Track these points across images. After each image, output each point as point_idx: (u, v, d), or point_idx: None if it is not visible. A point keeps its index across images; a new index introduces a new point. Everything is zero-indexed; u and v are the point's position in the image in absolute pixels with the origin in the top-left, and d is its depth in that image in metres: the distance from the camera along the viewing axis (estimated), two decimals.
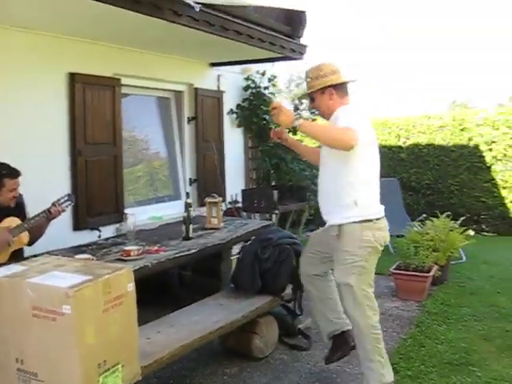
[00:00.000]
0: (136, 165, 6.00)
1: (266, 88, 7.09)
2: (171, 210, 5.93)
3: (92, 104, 4.78)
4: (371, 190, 3.16)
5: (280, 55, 5.70)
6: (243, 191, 6.51)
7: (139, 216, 5.51)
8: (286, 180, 7.30)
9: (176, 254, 3.70)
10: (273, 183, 7.43)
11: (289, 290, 4.10)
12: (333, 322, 3.47)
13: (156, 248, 3.78)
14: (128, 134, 5.54)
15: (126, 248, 3.57)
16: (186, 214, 4.18)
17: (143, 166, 6.12)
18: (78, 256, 3.30)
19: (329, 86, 3.16)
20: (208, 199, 4.66)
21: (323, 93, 3.19)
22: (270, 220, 6.25)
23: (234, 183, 6.79)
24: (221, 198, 4.69)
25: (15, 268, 2.55)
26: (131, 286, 2.52)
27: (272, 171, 7.22)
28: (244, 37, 4.84)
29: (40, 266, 2.58)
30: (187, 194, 4.48)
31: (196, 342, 3.21)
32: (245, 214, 6.52)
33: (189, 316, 3.55)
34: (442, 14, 46.34)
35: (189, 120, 6.19)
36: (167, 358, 2.98)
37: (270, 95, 7.10)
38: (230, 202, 6.40)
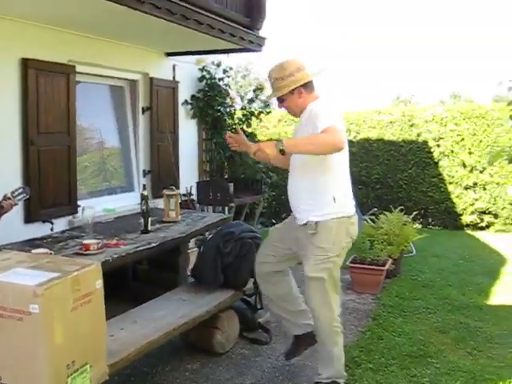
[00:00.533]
0: (86, 155, 5.81)
1: (220, 79, 7.01)
2: (124, 202, 5.79)
3: (45, 92, 4.55)
4: (347, 186, 3.18)
5: (239, 47, 5.64)
6: (198, 183, 6.43)
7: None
8: (239, 173, 7.26)
9: (137, 247, 3.60)
10: (225, 176, 7.38)
11: (250, 284, 4.09)
12: (298, 324, 3.49)
13: (115, 242, 3.66)
14: (80, 123, 5.34)
15: (85, 242, 3.43)
16: (144, 207, 4.07)
17: (95, 156, 5.93)
18: (34, 251, 3.15)
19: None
20: (166, 191, 4.56)
21: (292, 93, 3.13)
22: (223, 213, 6.22)
23: (188, 175, 6.69)
24: (179, 191, 4.61)
25: None
26: (100, 283, 2.43)
27: (226, 164, 7.16)
28: (205, 27, 4.75)
29: (1, 263, 2.45)
30: (144, 186, 4.37)
31: (162, 338, 3.15)
32: (198, 206, 6.45)
33: (151, 311, 3.46)
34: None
35: (143, 110, 6.04)
36: (133, 355, 2.90)
37: (224, 87, 7.03)
38: (184, 195, 6.29)
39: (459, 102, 19.42)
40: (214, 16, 4.85)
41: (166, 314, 3.41)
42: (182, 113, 6.63)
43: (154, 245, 3.73)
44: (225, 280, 3.87)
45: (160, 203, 4.97)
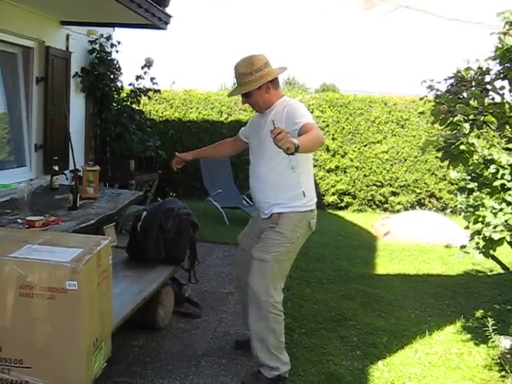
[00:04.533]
0: None
1: (108, 53, 6.80)
2: (15, 178, 5.40)
3: None
4: (313, 180, 3.28)
5: (146, 22, 5.55)
6: (96, 160, 6.21)
7: None
8: (123, 149, 7.11)
9: (78, 224, 3.49)
10: (108, 153, 7.18)
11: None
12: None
13: (53, 219, 3.52)
14: None
15: (29, 218, 3.27)
16: (73, 183, 3.95)
17: None
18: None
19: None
20: (86, 167, 4.43)
21: (260, 88, 3.10)
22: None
23: (76, 151, 6.40)
24: (98, 167, 4.49)
25: None
26: (111, 259, 2.42)
27: (113, 140, 6.97)
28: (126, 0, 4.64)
29: (4, 241, 2.31)
30: (74, 161, 4.20)
31: (129, 315, 3.15)
32: None
33: None
34: None
35: (37, 80, 5.66)
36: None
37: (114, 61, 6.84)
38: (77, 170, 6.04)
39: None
40: None
41: (122, 292, 3.38)
42: (73, 86, 6.32)
43: (93, 221, 3.64)
44: (166, 255, 3.92)
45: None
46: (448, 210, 8.63)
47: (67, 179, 4.97)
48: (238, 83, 3.19)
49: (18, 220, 3.36)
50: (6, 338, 2.09)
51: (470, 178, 3.64)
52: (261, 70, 3.10)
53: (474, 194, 3.45)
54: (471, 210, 3.38)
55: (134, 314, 3.27)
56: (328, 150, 9.38)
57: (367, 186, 9.38)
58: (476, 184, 3.52)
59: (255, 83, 3.09)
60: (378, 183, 9.40)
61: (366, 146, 9.36)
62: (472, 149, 3.18)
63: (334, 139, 9.37)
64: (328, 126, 9.37)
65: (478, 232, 3.21)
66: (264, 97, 3.15)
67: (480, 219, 3.19)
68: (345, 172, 9.39)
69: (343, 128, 9.36)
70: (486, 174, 3.34)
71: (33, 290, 2.06)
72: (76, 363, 2.11)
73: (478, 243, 3.26)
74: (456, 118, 3.16)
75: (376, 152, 9.36)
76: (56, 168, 4.68)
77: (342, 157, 9.39)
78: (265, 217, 3.22)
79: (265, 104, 3.19)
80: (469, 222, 3.32)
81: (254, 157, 3.31)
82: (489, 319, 3.67)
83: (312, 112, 9.35)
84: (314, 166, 9.36)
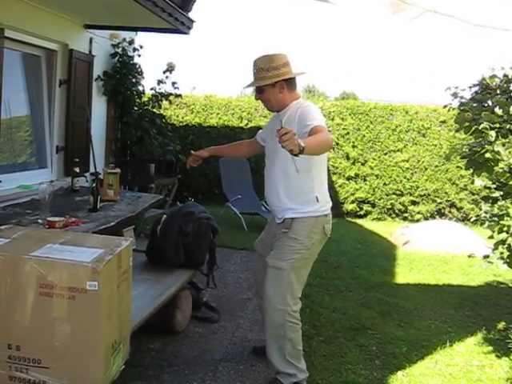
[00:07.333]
0: None
1: (130, 57, 6.84)
2: (37, 179, 5.44)
3: None
4: (326, 185, 3.23)
5: (170, 27, 5.57)
6: (117, 163, 6.24)
7: (6, 184, 5.00)
8: (143, 153, 7.13)
9: (97, 226, 3.50)
10: (128, 157, 7.22)
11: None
12: None
13: (73, 220, 3.53)
14: None
15: (50, 219, 3.29)
16: (94, 185, 3.97)
17: (4, 129, 5.48)
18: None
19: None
20: (107, 169, 4.47)
21: (274, 86, 3.09)
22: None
23: (97, 154, 6.44)
24: (119, 170, 4.51)
25: None
26: (131, 260, 2.41)
27: (134, 144, 7.01)
28: (150, 4, 4.66)
29: (25, 240, 2.31)
30: (94, 164, 4.21)
31: (146, 318, 3.13)
32: None
33: None
34: None
35: (60, 83, 5.71)
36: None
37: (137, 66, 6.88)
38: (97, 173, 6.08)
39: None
40: None
41: (140, 294, 3.37)
42: (95, 89, 6.37)
43: (113, 223, 3.66)
44: (185, 259, 3.91)
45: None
46: (468, 220, 8.52)
47: (87, 181, 5.00)
48: (255, 78, 3.17)
49: (39, 220, 3.38)
50: (25, 336, 2.09)
51: (494, 186, 3.57)
52: (278, 68, 3.08)
53: (499, 203, 3.39)
54: (495, 219, 3.32)
55: (151, 318, 3.26)
56: (348, 157, 9.33)
57: (387, 195, 9.30)
58: (501, 193, 3.46)
59: (269, 80, 3.08)
60: (398, 192, 9.32)
61: (386, 154, 9.29)
62: (498, 157, 3.12)
63: (354, 147, 9.32)
64: (348, 133, 9.32)
65: (503, 242, 3.15)
66: (277, 96, 3.13)
67: (505, 229, 3.13)
68: (364, 180, 9.32)
69: (363, 136, 9.30)
70: (511, 182, 3.28)
71: (53, 289, 2.06)
72: (94, 364, 2.09)
73: (502, 253, 3.20)
74: (481, 126, 3.10)
75: (396, 160, 9.28)
76: (77, 170, 4.71)
77: (362, 165, 9.33)
78: (278, 221, 3.20)
79: (277, 103, 3.16)
80: (493, 232, 3.26)
81: (268, 160, 3.29)
82: (511, 331, 3.59)
83: (332, 119, 9.35)
84: (334, 173, 9.33)
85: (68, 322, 2.07)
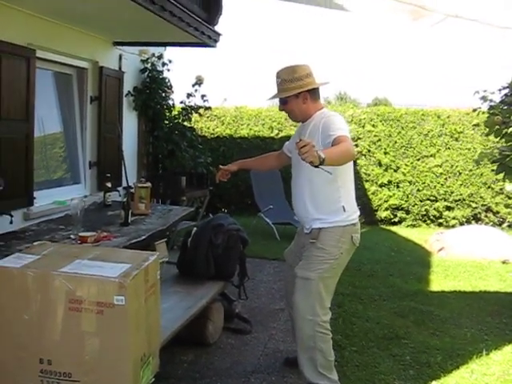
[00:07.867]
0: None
1: (160, 72, 6.96)
2: (71, 195, 5.56)
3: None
4: (353, 194, 3.22)
5: (196, 41, 5.65)
6: (148, 176, 6.34)
7: (41, 200, 5.13)
8: (175, 166, 7.22)
9: (129, 240, 3.55)
10: (160, 170, 7.31)
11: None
12: None
13: (105, 234, 3.59)
14: None
15: (82, 234, 3.35)
16: (125, 199, 4.04)
17: (39, 146, 5.63)
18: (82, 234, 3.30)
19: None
20: (138, 184, 4.53)
21: (297, 96, 3.11)
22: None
23: (129, 168, 6.56)
24: (150, 184, 4.57)
25: (24, 259, 2.29)
26: (159, 274, 2.43)
27: (165, 157, 7.10)
28: (176, 19, 4.73)
29: (55, 256, 2.36)
30: (126, 178, 4.28)
31: (178, 330, 3.16)
32: None
33: None
34: None
35: (91, 100, 5.84)
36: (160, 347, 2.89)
37: (166, 80, 6.99)
38: (130, 187, 6.18)
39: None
40: (183, 8, 4.84)
41: (172, 306, 3.41)
42: (125, 104, 6.50)
43: (143, 237, 3.69)
44: (215, 271, 3.93)
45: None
46: (505, 225, 8.33)
47: (120, 196, 5.09)
48: (278, 89, 3.19)
49: (71, 236, 3.45)
50: (55, 351, 2.12)
51: None
52: (301, 79, 3.10)
53: None
54: None
55: (183, 330, 3.28)
56: (380, 164, 9.23)
57: (421, 201, 9.16)
58: None
59: (293, 91, 3.09)
60: (432, 198, 9.17)
61: (419, 159, 9.16)
62: None
63: (386, 153, 9.22)
64: (380, 140, 9.23)
65: None
66: (301, 106, 3.14)
67: None
68: (398, 187, 9.21)
69: (395, 142, 9.20)
70: None
71: (82, 304, 2.09)
72: (123, 377, 2.11)
73: None
74: (511, 129, 3.04)
75: (429, 166, 9.14)
76: (109, 185, 4.79)
77: (395, 171, 9.21)
78: (306, 232, 3.20)
79: (301, 114, 3.18)
80: None
81: (294, 170, 3.30)
82: None
83: (363, 126, 9.27)
84: (366, 180, 9.24)
85: (97, 336, 2.10)
